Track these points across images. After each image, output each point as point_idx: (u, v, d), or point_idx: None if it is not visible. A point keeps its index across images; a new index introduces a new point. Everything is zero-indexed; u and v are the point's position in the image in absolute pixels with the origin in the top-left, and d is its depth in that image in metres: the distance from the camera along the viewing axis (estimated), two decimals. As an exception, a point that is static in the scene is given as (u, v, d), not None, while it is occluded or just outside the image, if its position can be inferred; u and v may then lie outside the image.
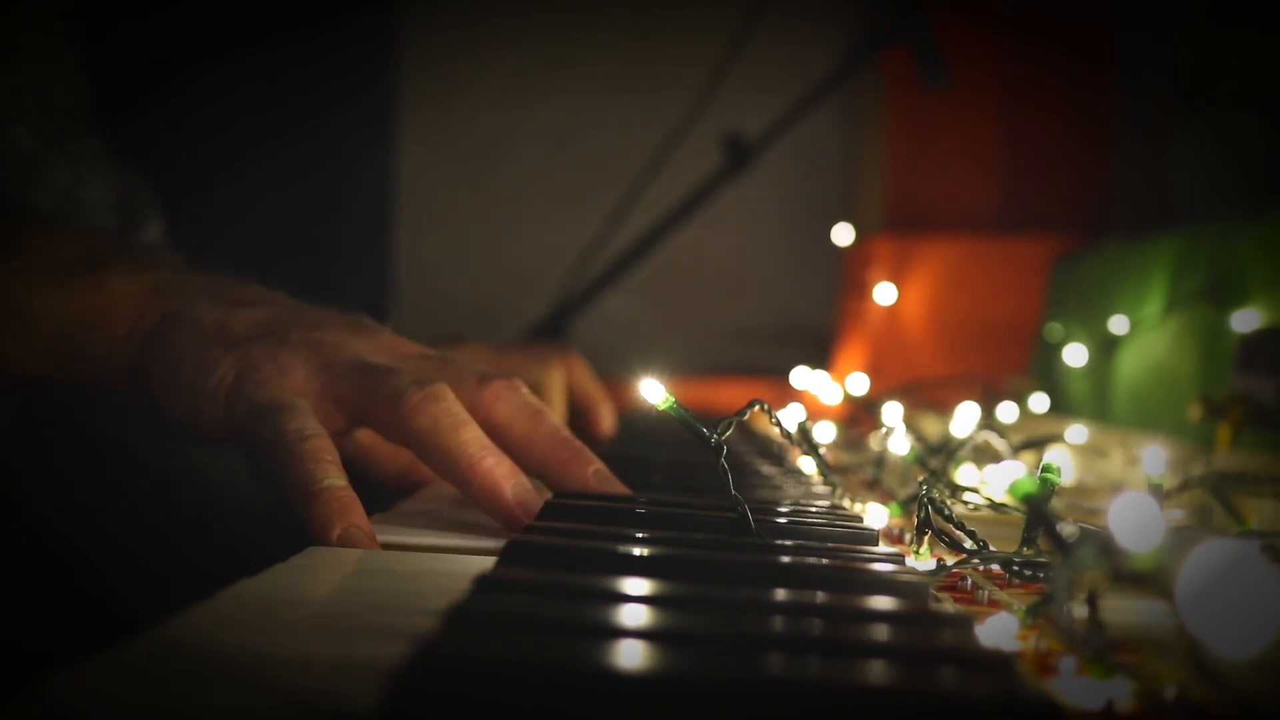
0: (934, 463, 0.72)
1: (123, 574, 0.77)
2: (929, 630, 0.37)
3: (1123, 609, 0.43)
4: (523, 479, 0.58)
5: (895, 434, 0.73)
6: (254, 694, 0.30)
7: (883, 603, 0.40)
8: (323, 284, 0.73)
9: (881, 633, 0.36)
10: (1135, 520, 0.29)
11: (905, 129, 1.72)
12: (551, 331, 1.58)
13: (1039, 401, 1.14)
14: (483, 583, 0.37)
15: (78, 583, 0.78)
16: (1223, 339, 0.86)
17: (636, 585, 0.38)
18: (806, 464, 0.81)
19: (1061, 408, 1.15)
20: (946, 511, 0.53)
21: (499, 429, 0.61)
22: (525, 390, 0.63)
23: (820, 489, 0.72)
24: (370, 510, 0.55)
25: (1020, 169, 1.69)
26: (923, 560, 0.52)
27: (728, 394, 1.56)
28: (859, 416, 1.13)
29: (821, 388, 1.07)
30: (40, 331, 0.63)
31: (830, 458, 0.76)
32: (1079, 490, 0.85)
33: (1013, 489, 0.39)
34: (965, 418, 0.85)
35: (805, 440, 0.67)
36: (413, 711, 0.27)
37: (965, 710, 0.29)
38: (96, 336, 0.62)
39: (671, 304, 1.93)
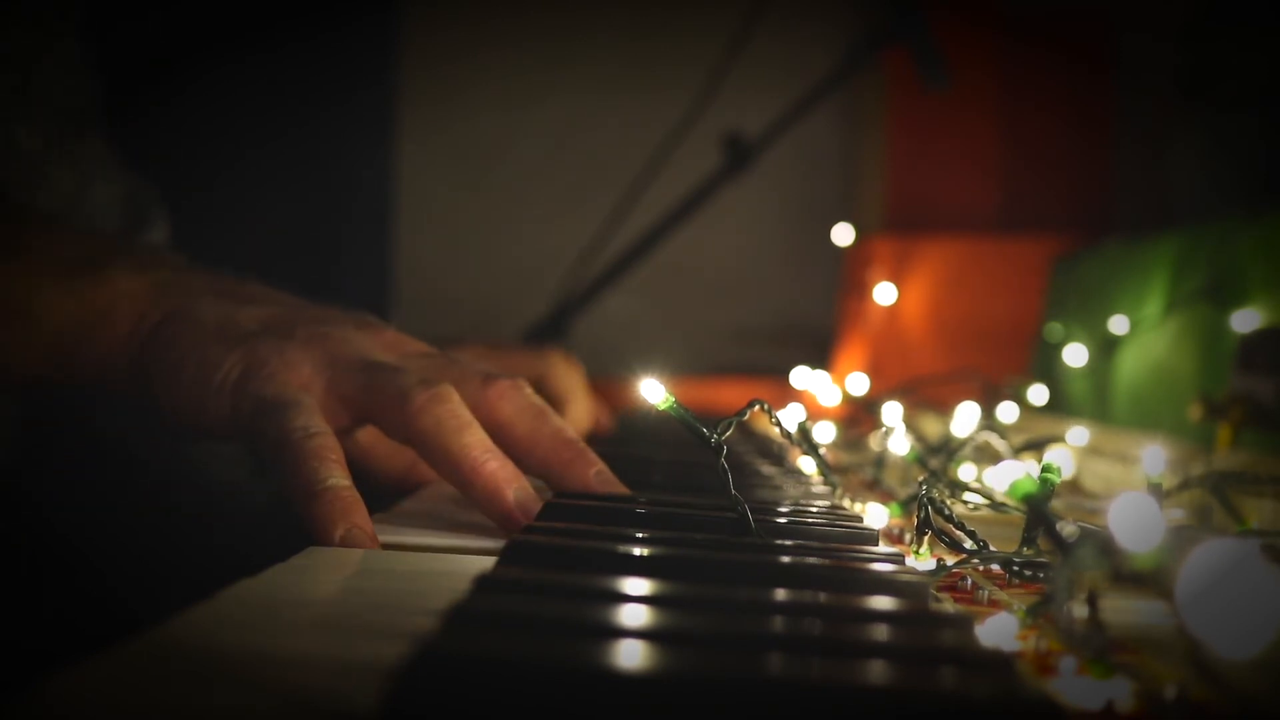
0: (934, 463, 0.72)
1: (123, 574, 0.77)
2: (929, 630, 0.37)
3: (1123, 609, 0.43)
4: (525, 483, 0.57)
5: (895, 434, 0.73)
6: (254, 694, 0.30)
7: (883, 603, 0.40)
8: (323, 284, 0.73)
9: (881, 633, 0.36)
10: (1135, 520, 0.29)
11: (905, 129, 1.72)
12: (552, 331, 1.58)
13: (1038, 393, 1.14)
14: (483, 583, 0.37)
15: (78, 583, 0.78)
16: (1223, 339, 0.86)
17: (636, 585, 0.38)
18: (806, 464, 0.81)
19: (1061, 408, 1.15)
20: (946, 511, 0.53)
21: (502, 428, 0.61)
22: (529, 390, 0.63)
23: (820, 489, 0.72)
24: (371, 510, 0.54)
25: (1020, 169, 1.69)
26: (923, 560, 0.52)
27: (728, 394, 1.56)
28: (859, 416, 1.13)
29: (821, 388, 1.07)
30: (41, 331, 0.62)
31: (830, 458, 0.76)
32: (1078, 490, 0.85)
33: (1013, 489, 0.39)
34: (965, 417, 0.85)
35: (805, 440, 0.67)
36: (413, 711, 0.27)
37: (965, 710, 0.29)
38: (97, 336, 0.62)
39: (671, 304, 1.93)
